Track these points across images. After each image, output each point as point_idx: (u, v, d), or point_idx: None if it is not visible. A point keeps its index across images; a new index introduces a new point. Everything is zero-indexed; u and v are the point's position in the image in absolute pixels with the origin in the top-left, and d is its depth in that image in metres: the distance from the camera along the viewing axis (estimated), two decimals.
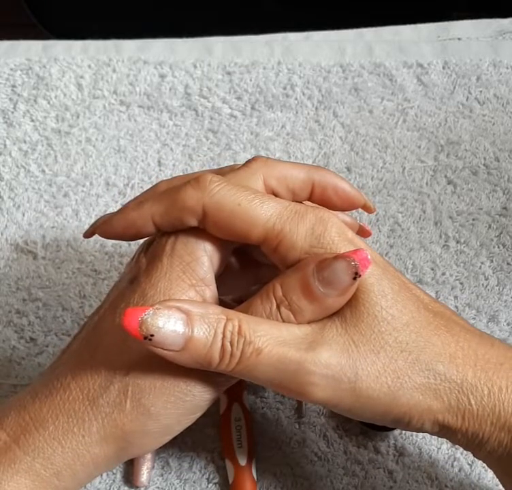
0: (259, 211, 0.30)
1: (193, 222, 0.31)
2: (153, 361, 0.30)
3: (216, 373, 0.30)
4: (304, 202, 0.34)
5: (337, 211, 0.34)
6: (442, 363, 0.29)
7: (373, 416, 0.30)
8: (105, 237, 0.34)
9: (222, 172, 0.34)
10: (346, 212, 0.37)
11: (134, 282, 0.32)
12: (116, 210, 0.34)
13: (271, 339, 0.28)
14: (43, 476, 0.30)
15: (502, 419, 0.29)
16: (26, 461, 0.30)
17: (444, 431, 0.30)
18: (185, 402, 0.31)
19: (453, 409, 0.29)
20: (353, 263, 0.29)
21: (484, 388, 0.29)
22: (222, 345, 0.28)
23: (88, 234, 0.35)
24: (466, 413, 0.29)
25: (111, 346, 0.31)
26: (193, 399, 0.31)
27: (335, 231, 0.30)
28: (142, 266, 0.32)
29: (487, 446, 0.30)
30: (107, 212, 0.47)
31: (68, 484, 0.31)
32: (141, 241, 0.34)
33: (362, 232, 0.37)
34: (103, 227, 0.33)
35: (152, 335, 0.27)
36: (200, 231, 0.31)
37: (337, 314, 0.30)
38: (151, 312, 0.28)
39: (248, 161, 0.33)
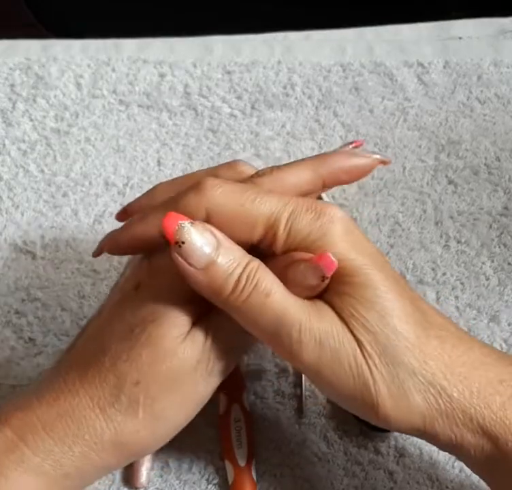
0: (261, 210, 0.30)
1: None
2: (162, 366, 0.30)
3: (216, 366, 0.31)
4: None
5: None
6: (411, 361, 0.29)
7: (346, 400, 0.30)
8: (113, 254, 0.34)
9: (219, 172, 0.34)
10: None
11: (139, 288, 0.32)
12: (116, 213, 0.34)
13: (281, 288, 0.30)
14: (52, 475, 0.30)
15: (474, 422, 0.29)
16: (36, 461, 0.30)
17: (417, 432, 0.30)
18: (192, 400, 0.32)
19: (421, 409, 0.29)
20: (319, 268, 0.29)
21: (453, 390, 0.29)
22: (239, 278, 0.29)
23: (97, 253, 0.35)
24: (435, 415, 0.29)
25: (119, 354, 0.31)
26: (198, 395, 0.32)
27: (336, 228, 0.30)
28: (145, 271, 0.32)
29: (466, 451, 0.30)
30: (107, 212, 0.47)
31: (76, 483, 0.32)
32: None
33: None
34: (111, 245, 0.34)
35: (183, 243, 0.29)
36: None
37: (330, 293, 0.30)
38: (190, 223, 0.29)
39: (254, 177, 0.33)
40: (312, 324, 0.29)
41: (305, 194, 0.33)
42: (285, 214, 0.30)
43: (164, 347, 0.30)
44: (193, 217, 0.30)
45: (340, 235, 0.30)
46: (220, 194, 0.30)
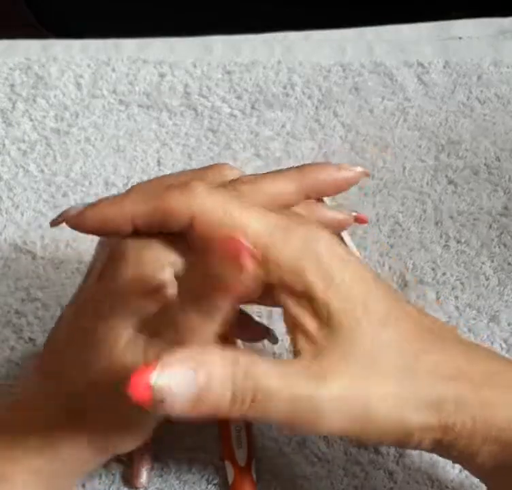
0: (246, 225, 0.29)
1: (176, 228, 0.30)
2: (111, 367, 0.30)
3: None
4: None
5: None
6: (437, 382, 0.29)
7: (379, 440, 0.31)
8: (75, 230, 0.31)
9: (204, 174, 0.33)
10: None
11: (100, 280, 0.31)
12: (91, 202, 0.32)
13: (278, 375, 0.28)
14: (44, 472, 0.31)
15: (493, 433, 0.29)
16: (27, 458, 0.31)
17: (439, 447, 0.30)
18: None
19: (449, 427, 0.29)
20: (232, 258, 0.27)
21: (475, 403, 0.29)
22: (233, 395, 0.27)
23: (55, 222, 0.33)
24: (461, 430, 0.29)
25: (71, 357, 0.31)
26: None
27: (323, 250, 0.29)
28: (106, 261, 0.31)
29: (478, 459, 0.30)
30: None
31: (65, 481, 0.32)
32: None
33: (360, 220, 0.36)
34: (75, 219, 0.31)
35: (162, 401, 0.25)
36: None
37: (328, 344, 0.29)
38: (159, 374, 0.25)
39: (234, 183, 0.32)
40: (328, 394, 0.28)
41: (286, 206, 0.32)
42: (277, 235, 0.29)
43: (111, 354, 0.30)
44: (176, 217, 0.29)
45: (324, 258, 0.29)
46: (206, 199, 0.29)
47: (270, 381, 0.27)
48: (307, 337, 0.29)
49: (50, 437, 0.31)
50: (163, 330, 0.30)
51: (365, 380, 0.28)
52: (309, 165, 0.34)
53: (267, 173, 0.33)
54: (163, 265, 0.29)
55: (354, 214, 0.36)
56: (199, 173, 0.33)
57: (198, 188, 0.30)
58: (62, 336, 0.33)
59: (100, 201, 0.31)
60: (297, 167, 0.33)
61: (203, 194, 0.29)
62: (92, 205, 0.31)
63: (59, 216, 0.33)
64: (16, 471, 0.31)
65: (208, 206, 0.29)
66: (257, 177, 0.32)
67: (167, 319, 0.29)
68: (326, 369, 0.28)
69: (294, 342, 0.29)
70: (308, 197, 0.33)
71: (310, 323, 0.29)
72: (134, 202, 0.30)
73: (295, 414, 0.28)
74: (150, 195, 0.30)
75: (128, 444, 0.33)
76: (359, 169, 0.34)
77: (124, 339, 0.30)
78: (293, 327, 0.29)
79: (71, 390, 0.31)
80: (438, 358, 0.30)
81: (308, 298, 0.29)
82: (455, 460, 0.31)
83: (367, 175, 0.34)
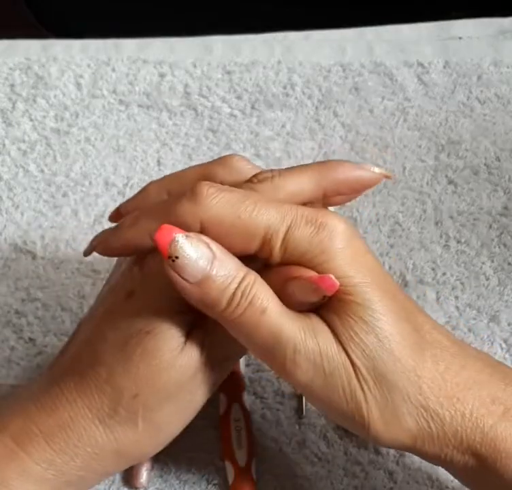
0: (259, 223, 0.29)
1: None
2: (160, 380, 0.30)
3: (213, 374, 0.31)
4: None
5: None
6: (406, 385, 0.29)
7: (338, 419, 0.31)
8: (104, 255, 0.34)
9: (213, 169, 0.33)
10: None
11: (132, 296, 0.31)
12: (113, 227, 0.34)
13: (277, 304, 0.29)
14: (55, 483, 0.31)
15: (464, 444, 0.29)
16: (37, 470, 0.30)
17: (406, 449, 0.30)
18: (189, 409, 0.32)
19: (412, 432, 0.29)
20: (320, 289, 0.29)
21: (446, 414, 0.29)
22: (234, 293, 0.29)
23: (88, 252, 0.35)
24: (426, 437, 0.29)
25: (114, 366, 0.30)
26: (196, 404, 0.32)
27: (336, 244, 0.30)
28: (137, 278, 0.32)
29: (452, 466, 0.30)
30: (107, 212, 0.47)
31: (78, 488, 0.32)
32: None
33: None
34: (102, 246, 0.33)
35: (176, 257, 0.28)
36: None
37: (328, 310, 0.30)
38: (184, 237, 0.28)
39: (254, 182, 0.32)
40: (307, 344, 0.29)
41: (305, 204, 0.32)
42: (282, 229, 0.29)
43: (161, 360, 0.30)
44: (187, 227, 0.29)
45: (339, 251, 0.30)
46: (216, 205, 0.29)
47: (270, 303, 0.29)
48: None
49: (69, 447, 0.31)
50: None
51: (337, 352, 0.29)
52: (330, 162, 0.33)
53: (286, 169, 0.33)
54: None
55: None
56: (209, 170, 0.34)
57: (204, 193, 0.30)
58: (88, 351, 0.32)
59: (120, 225, 0.33)
60: (318, 165, 0.33)
61: (210, 199, 0.30)
62: (113, 231, 0.33)
63: (89, 245, 0.35)
64: (21, 480, 0.30)
65: (217, 212, 0.29)
66: (274, 175, 0.32)
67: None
68: (320, 331, 0.29)
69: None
70: (326, 196, 0.33)
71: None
72: (148, 220, 0.31)
73: (274, 346, 0.29)
74: (161, 209, 0.31)
75: (155, 451, 0.33)
76: (378, 170, 0.33)
77: (177, 349, 0.31)
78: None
79: (99, 403, 0.30)
80: (415, 361, 0.30)
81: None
82: (432, 463, 0.31)
83: (388, 177, 0.34)
